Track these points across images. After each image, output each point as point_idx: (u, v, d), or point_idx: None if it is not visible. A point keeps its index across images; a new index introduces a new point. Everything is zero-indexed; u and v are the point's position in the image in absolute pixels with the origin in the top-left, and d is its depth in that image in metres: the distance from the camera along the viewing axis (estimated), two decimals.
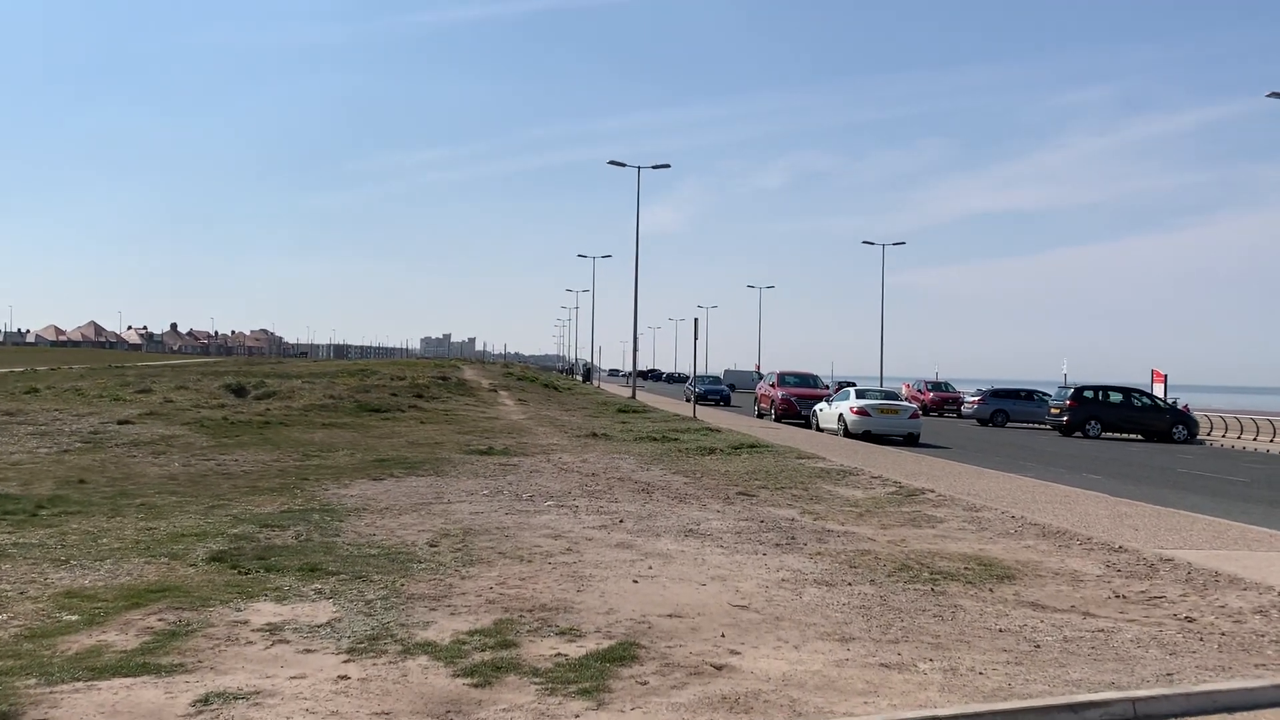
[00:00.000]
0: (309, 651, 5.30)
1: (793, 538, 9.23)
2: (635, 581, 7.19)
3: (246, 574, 7.11)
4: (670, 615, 6.26)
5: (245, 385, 30.10)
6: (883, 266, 61.10)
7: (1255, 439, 34.50)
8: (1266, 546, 9.43)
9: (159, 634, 5.55)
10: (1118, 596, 7.14)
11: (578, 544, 8.63)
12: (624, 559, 8.00)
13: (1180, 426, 32.73)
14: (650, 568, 7.68)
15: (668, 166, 43.89)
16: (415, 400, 28.75)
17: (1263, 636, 6.03)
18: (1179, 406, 37.07)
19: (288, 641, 5.47)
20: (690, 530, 9.46)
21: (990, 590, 7.21)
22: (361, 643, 5.47)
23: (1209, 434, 36.06)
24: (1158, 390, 40.18)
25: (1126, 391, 35.08)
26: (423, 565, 7.55)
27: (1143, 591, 7.28)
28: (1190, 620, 6.44)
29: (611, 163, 43.18)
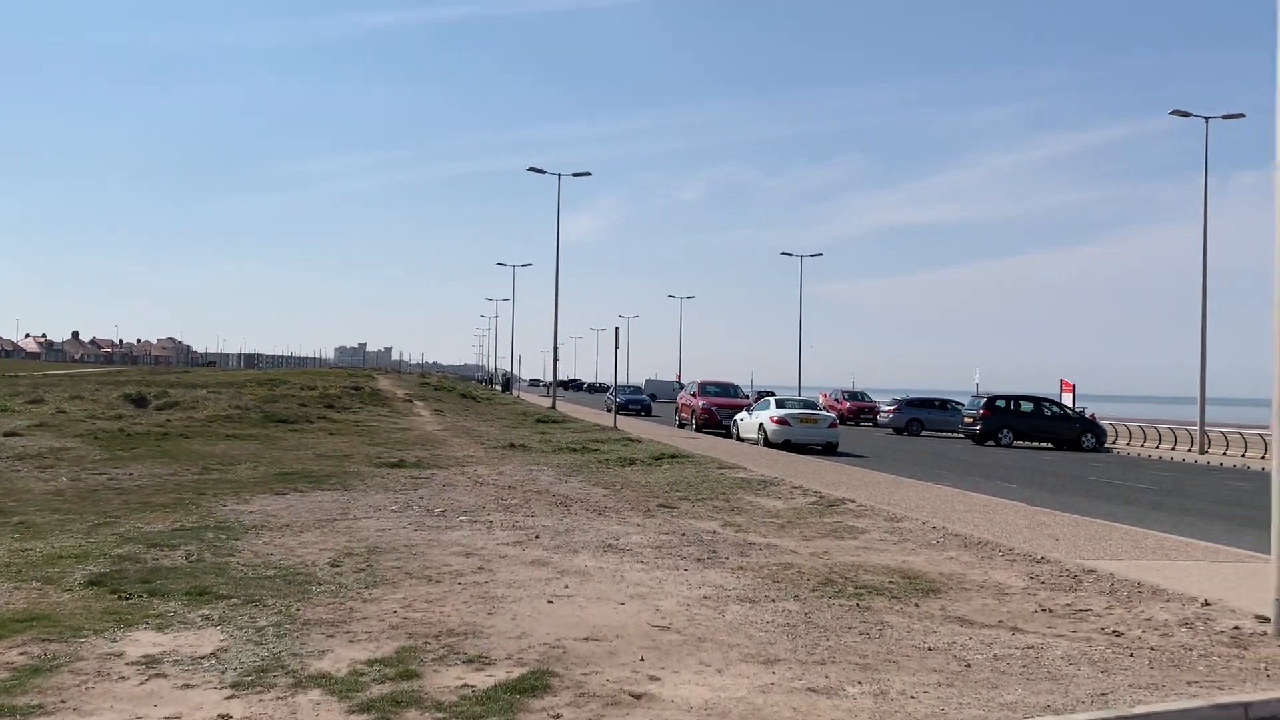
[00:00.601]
0: (188, 687, 4.82)
1: (714, 551, 8.95)
2: (550, 602, 6.82)
3: (127, 599, 6.55)
4: (587, 638, 5.91)
5: (146, 395, 28.86)
6: (801, 278, 61.80)
7: (1159, 446, 35.51)
8: (1183, 555, 9.46)
9: (19, 670, 5.00)
10: (1044, 610, 7.01)
11: (490, 562, 8.23)
12: (539, 577, 7.62)
13: (1089, 435, 33.48)
14: (566, 586, 7.32)
15: (588, 174, 43.67)
16: (325, 411, 27.88)
17: (1191, 650, 5.92)
18: (1086, 415, 37.98)
19: (165, 675, 4.98)
20: (609, 545, 9.12)
21: (916, 605, 7.02)
22: (249, 675, 5.00)
23: (1115, 442, 37.01)
24: (1066, 399, 41.20)
25: (1037, 401, 35.80)
26: (322, 587, 7.07)
27: (1068, 604, 7.16)
28: (1118, 634, 6.31)
29: (531, 169, 42.72)
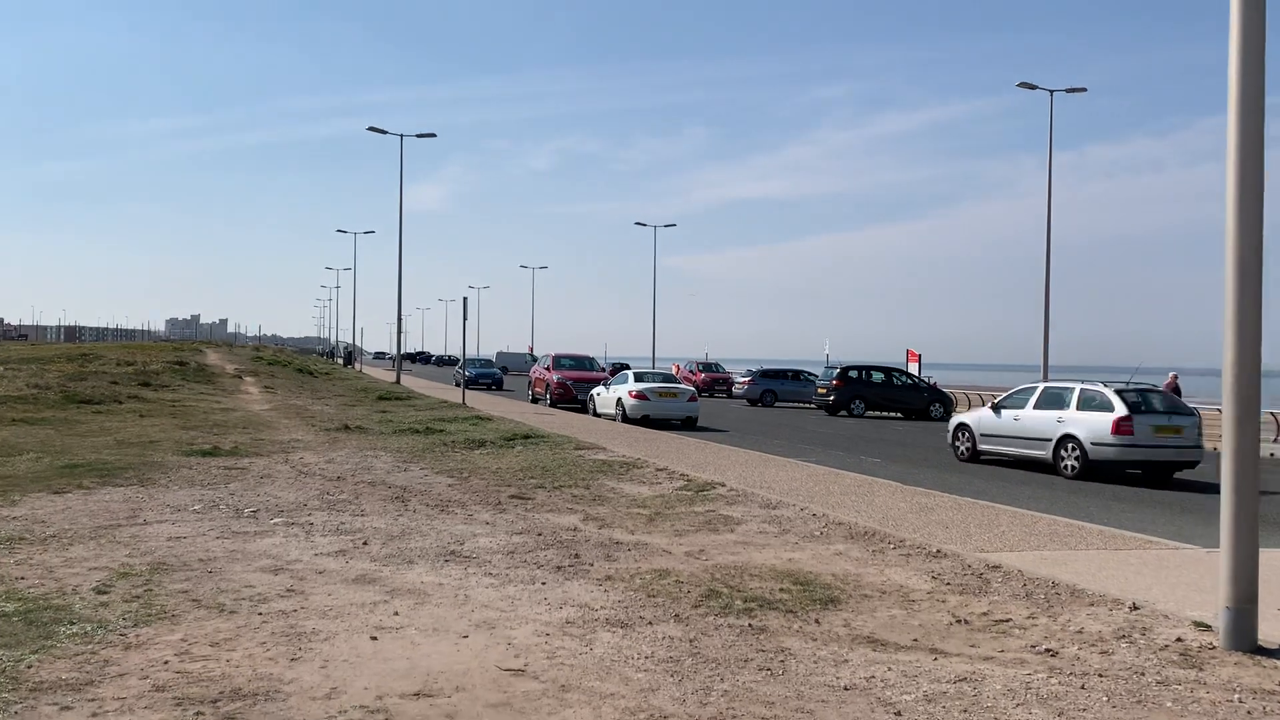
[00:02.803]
0: None
1: (577, 556, 7.69)
2: (374, 638, 5.43)
3: None
4: (418, 693, 4.57)
5: None
6: (654, 248, 61.05)
7: None
8: (1081, 543, 8.77)
9: None
10: (960, 621, 6.05)
11: (304, 580, 6.75)
12: (363, 601, 6.20)
13: (937, 404, 33.84)
14: (396, 614, 5.93)
15: (433, 135, 41.38)
16: (139, 390, 25.24)
17: (1143, 675, 5.03)
18: (930, 384, 38.53)
19: None
20: (452, 552, 7.74)
21: (816, 621, 5.95)
22: None
23: (960, 409, 37.64)
24: (913, 369, 41.76)
25: (888, 371, 36.02)
26: (75, 628, 5.47)
27: (985, 614, 6.23)
28: (1052, 654, 5.39)
29: (371, 129, 40.16)
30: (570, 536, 8.51)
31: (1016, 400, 17.33)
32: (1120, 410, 15.31)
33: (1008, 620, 6.09)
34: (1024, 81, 31.53)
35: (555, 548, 8.00)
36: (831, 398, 33.75)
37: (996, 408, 17.60)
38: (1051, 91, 31.95)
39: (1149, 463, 15.48)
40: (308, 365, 56.20)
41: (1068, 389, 16.55)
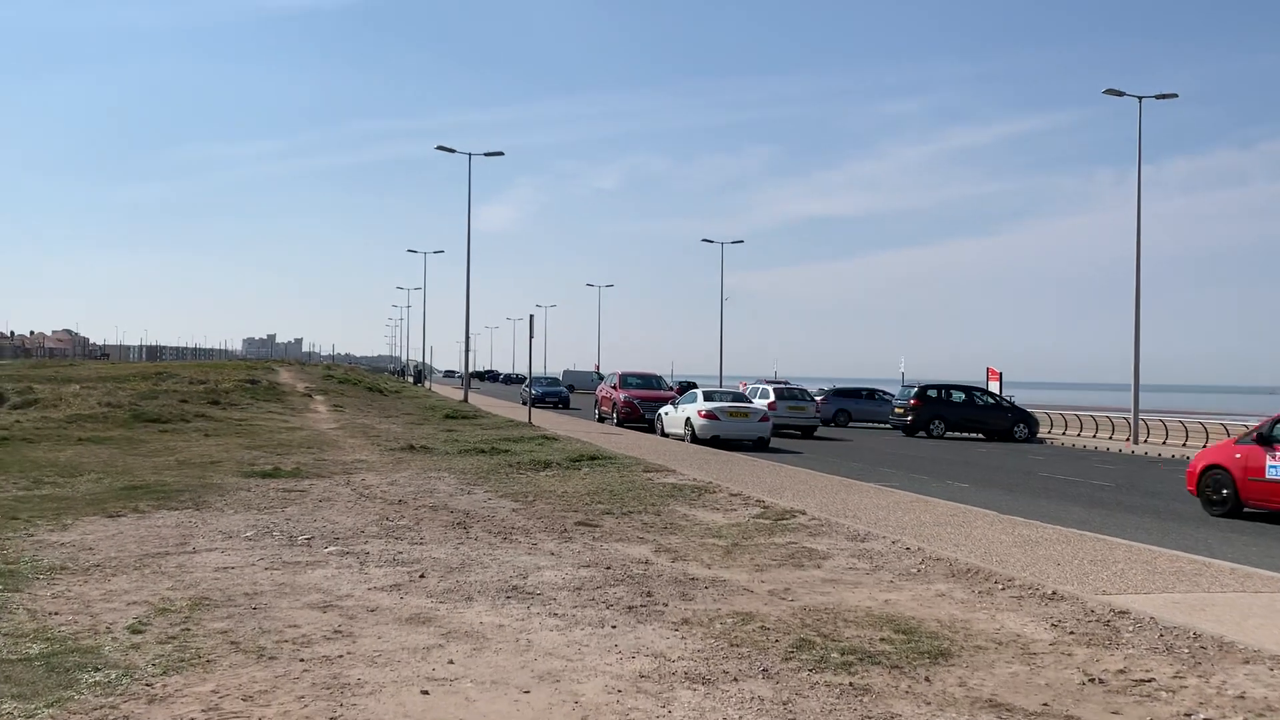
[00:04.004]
0: None
1: (649, 594, 7.01)
2: (425, 692, 4.81)
3: None
4: None
5: (3, 392, 25.82)
6: (721, 264, 60.26)
7: (1095, 435, 34.72)
8: (1213, 584, 7.82)
9: None
10: (1093, 680, 5.23)
11: (354, 619, 6.17)
12: (416, 645, 5.60)
13: (1021, 425, 32.49)
14: (452, 662, 5.31)
15: (501, 154, 41.31)
16: (208, 408, 25.22)
17: None
18: (1013, 403, 37.10)
19: None
20: (515, 587, 7.12)
21: (927, 680, 5.18)
22: None
23: (1048, 431, 36.16)
24: (993, 388, 40.31)
25: (969, 390, 34.74)
26: (100, 674, 4.94)
27: (1121, 671, 5.39)
28: None
29: (440, 148, 40.18)
30: (641, 570, 7.83)
31: None
32: None
33: (1149, 680, 5.25)
34: (1111, 88, 30.23)
35: (625, 583, 7.33)
36: (909, 418, 32.62)
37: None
38: (1140, 98, 30.58)
39: None
40: (378, 384, 56.46)
41: None
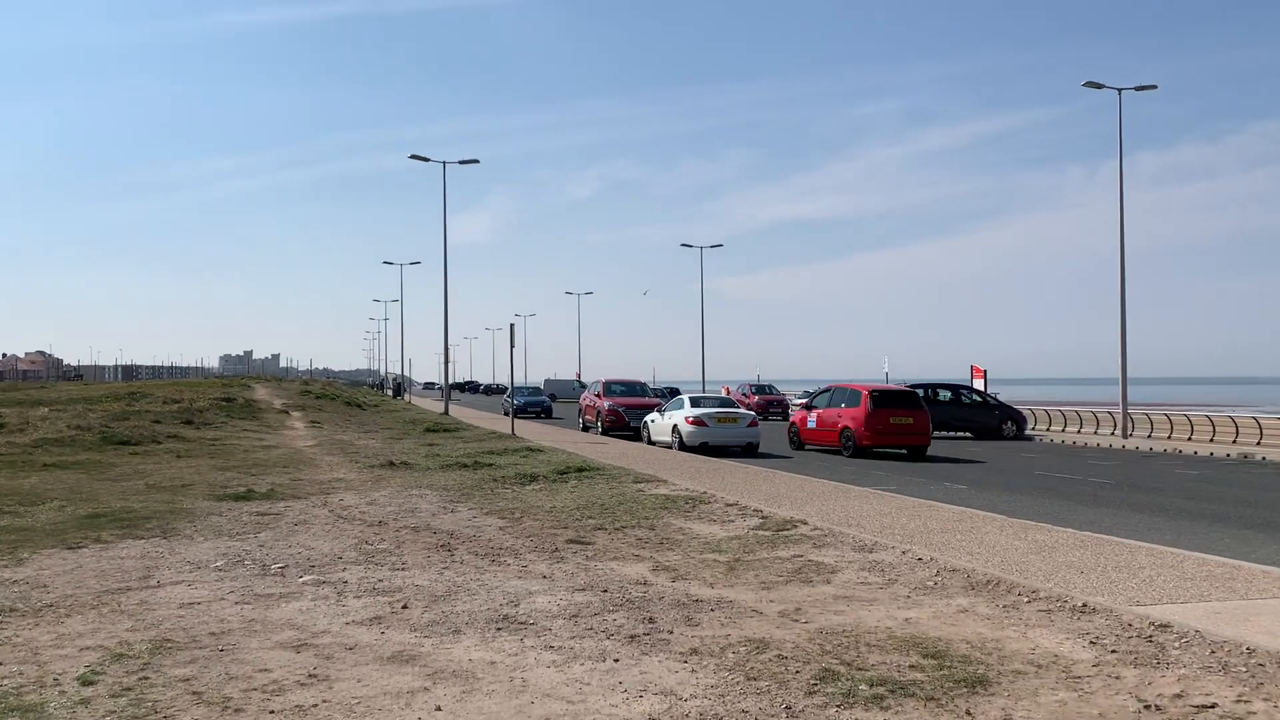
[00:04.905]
0: None
1: (651, 619, 6.48)
2: None
3: None
4: None
5: None
6: (701, 268, 60.14)
7: (1081, 430, 34.44)
8: (1250, 589, 7.37)
9: None
10: (1150, 708, 4.74)
11: (331, 659, 5.61)
12: (399, 689, 5.05)
13: (1010, 422, 32.15)
14: (439, 708, 4.76)
15: (476, 162, 40.64)
16: (181, 429, 24.49)
17: None
18: (999, 401, 36.79)
19: None
20: (506, 617, 6.57)
21: (968, 714, 4.67)
22: None
23: (1034, 427, 35.86)
24: (978, 385, 40.01)
25: (955, 389, 34.42)
26: None
27: (1178, 696, 4.91)
28: None
29: (414, 157, 39.54)
30: (641, 593, 7.30)
31: None
32: None
33: (1212, 706, 4.76)
34: (1090, 81, 29.98)
35: (625, 608, 6.80)
36: None
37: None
38: (1120, 90, 30.37)
39: None
40: (356, 398, 55.66)
41: None
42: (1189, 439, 29.14)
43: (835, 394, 24.12)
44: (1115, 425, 32.09)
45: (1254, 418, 31.23)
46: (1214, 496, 15.31)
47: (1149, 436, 30.63)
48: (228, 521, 10.90)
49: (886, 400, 23.20)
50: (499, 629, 6.25)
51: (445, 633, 6.18)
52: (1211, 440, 29.20)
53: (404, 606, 6.89)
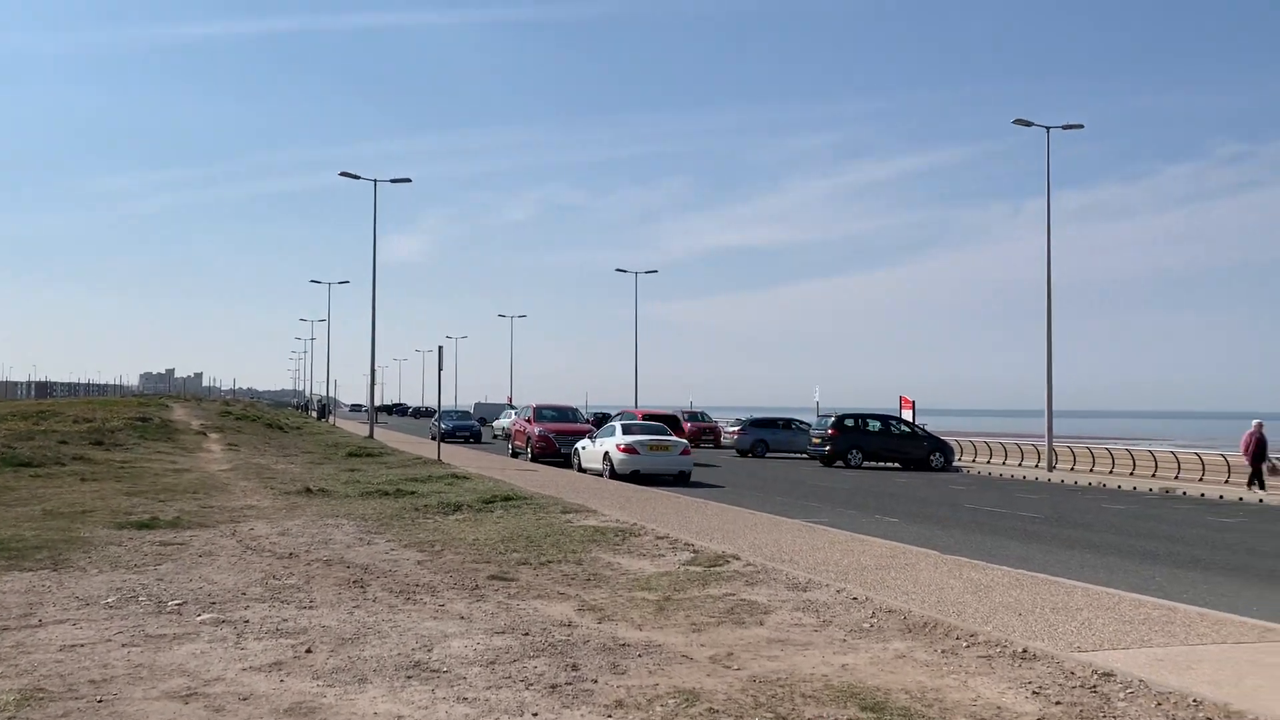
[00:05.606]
0: None
1: (575, 667, 6.07)
2: None
3: None
4: None
5: None
6: (635, 294, 59.94)
7: (1004, 462, 34.85)
8: (1190, 633, 7.21)
9: None
10: None
11: (221, 711, 5.11)
12: None
13: (938, 454, 32.38)
14: None
15: (408, 180, 39.94)
16: (88, 450, 23.39)
17: None
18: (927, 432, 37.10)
19: None
20: (417, 664, 6.11)
21: None
22: None
23: (960, 459, 36.20)
24: (906, 416, 40.34)
25: (885, 419, 34.61)
26: None
27: None
28: None
29: (344, 174, 38.75)
30: (564, 636, 6.89)
31: None
32: None
33: None
34: (1020, 118, 30.57)
35: (547, 654, 6.38)
36: (827, 448, 32.28)
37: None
38: (1048, 128, 30.98)
39: None
40: (278, 420, 54.20)
41: None
42: (1110, 473, 29.63)
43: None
44: (1040, 458, 32.51)
45: (1172, 452, 31.91)
46: (1142, 533, 15.40)
47: (1072, 469, 31.08)
48: (126, 552, 10.22)
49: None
50: (409, 677, 5.79)
51: (350, 681, 5.70)
52: (1132, 474, 29.72)
53: (308, 650, 6.38)
